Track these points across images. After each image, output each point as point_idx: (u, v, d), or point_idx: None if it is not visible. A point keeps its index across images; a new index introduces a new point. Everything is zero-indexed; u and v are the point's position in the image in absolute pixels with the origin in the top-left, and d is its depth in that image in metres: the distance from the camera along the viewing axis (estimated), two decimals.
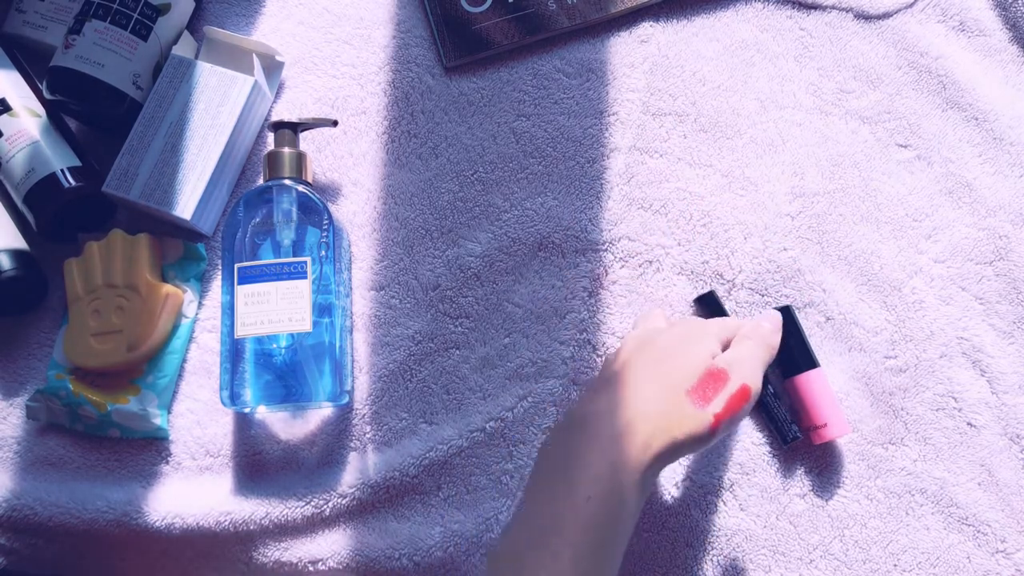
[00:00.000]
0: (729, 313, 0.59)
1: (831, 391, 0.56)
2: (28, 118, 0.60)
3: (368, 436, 0.58)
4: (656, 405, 0.46)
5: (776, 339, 0.54)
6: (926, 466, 0.57)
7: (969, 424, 0.57)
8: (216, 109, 0.60)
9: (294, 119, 0.61)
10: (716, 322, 0.53)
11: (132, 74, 0.60)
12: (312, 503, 0.56)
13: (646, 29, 0.65)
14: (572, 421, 0.47)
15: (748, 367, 0.49)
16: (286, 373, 0.55)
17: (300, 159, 0.59)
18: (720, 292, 0.60)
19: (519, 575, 0.42)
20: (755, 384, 0.48)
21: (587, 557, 0.42)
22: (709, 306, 0.58)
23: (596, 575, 0.42)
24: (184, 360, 0.60)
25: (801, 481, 0.57)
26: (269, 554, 0.56)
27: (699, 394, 0.47)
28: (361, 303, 0.60)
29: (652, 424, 0.45)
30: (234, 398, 0.55)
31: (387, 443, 0.58)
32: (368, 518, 0.56)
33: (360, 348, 0.60)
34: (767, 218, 0.61)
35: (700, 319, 0.55)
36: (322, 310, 0.56)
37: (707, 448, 0.49)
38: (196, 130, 0.60)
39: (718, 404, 0.47)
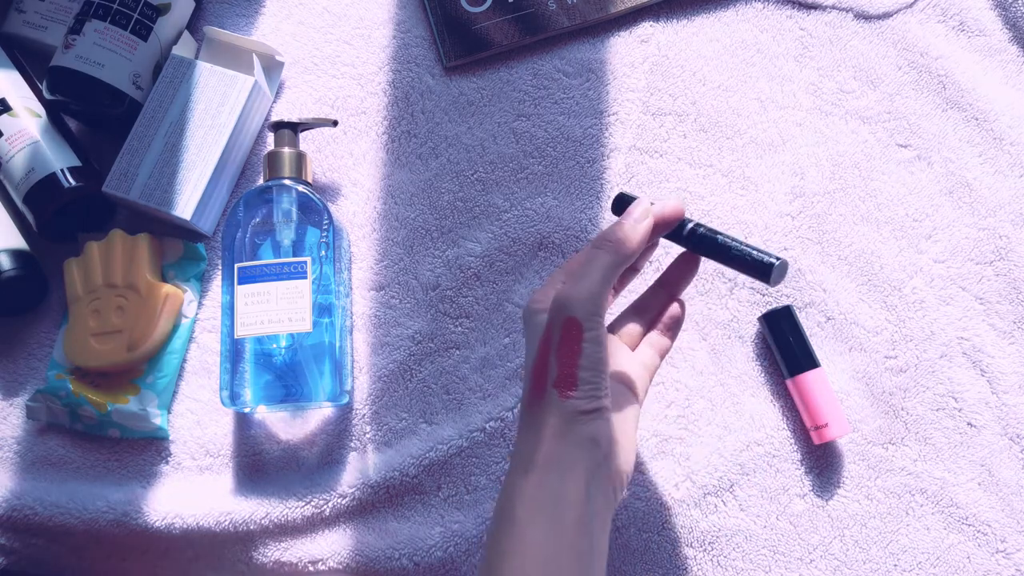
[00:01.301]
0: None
1: (832, 391, 0.56)
2: (28, 118, 0.60)
3: (368, 436, 0.58)
4: (527, 441, 0.42)
5: (630, 229, 0.43)
6: (926, 466, 0.57)
7: (969, 424, 0.57)
8: (216, 109, 0.60)
9: (294, 119, 0.61)
10: (554, 274, 0.46)
11: (132, 74, 0.60)
12: (312, 503, 0.56)
13: (646, 29, 0.65)
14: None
15: (567, 293, 0.41)
16: (286, 373, 0.55)
17: (300, 159, 0.59)
18: (721, 292, 0.60)
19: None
20: (581, 306, 0.40)
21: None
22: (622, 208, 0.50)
23: None
24: (184, 360, 0.60)
25: (801, 481, 0.57)
26: (269, 554, 0.56)
27: (537, 384, 0.41)
28: (361, 303, 0.60)
29: (532, 461, 0.41)
30: (234, 398, 0.55)
31: (387, 443, 0.58)
32: (368, 518, 0.56)
33: (360, 348, 0.60)
34: (767, 218, 0.61)
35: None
36: (322, 310, 0.56)
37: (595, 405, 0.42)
38: (196, 130, 0.60)
39: (553, 371, 0.41)
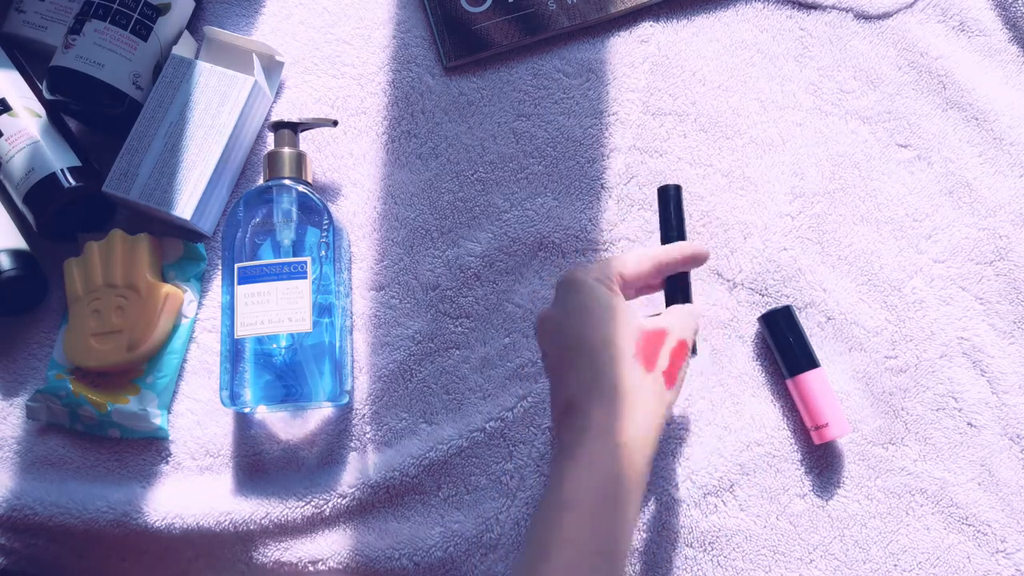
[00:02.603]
0: (685, 219, 0.56)
1: (832, 391, 0.56)
2: (28, 118, 0.60)
3: (368, 436, 0.58)
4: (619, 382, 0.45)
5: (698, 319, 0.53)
6: (926, 466, 0.57)
7: (969, 424, 0.57)
8: (216, 109, 0.60)
9: (294, 119, 0.61)
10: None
11: (132, 74, 0.60)
12: (312, 503, 0.56)
13: (646, 29, 0.65)
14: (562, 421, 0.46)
15: (681, 325, 0.49)
16: (286, 373, 0.55)
17: (300, 159, 0.59)
18: (720, 291, 0.60)
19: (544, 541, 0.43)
20: (691, 342, 0.50)
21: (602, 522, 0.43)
22: (667, 202, 0.55)
23: (613, 537, 0.43)
24: (184, 360, 0.60)
25: (801, 481, 0.57)
26: (269, 554, 0.56)
27: (646, 356, 0.47)
28: (361, 303, 0.60)
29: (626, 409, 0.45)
30: (234, 398, 0.55)
31: (387, 443, 0.58)
32: (368, 518, 0.56)
33: (360, 348, 0.60)
34: (767, 218, 0.61)
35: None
36: (322, 310, 0.56)
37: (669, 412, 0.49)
38: (196, 130, 0.60)
39: (664, 361, 0.47)
